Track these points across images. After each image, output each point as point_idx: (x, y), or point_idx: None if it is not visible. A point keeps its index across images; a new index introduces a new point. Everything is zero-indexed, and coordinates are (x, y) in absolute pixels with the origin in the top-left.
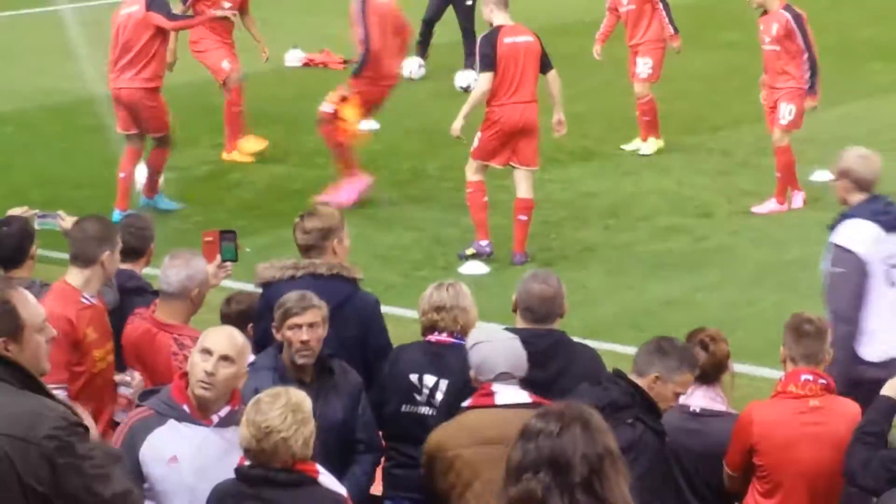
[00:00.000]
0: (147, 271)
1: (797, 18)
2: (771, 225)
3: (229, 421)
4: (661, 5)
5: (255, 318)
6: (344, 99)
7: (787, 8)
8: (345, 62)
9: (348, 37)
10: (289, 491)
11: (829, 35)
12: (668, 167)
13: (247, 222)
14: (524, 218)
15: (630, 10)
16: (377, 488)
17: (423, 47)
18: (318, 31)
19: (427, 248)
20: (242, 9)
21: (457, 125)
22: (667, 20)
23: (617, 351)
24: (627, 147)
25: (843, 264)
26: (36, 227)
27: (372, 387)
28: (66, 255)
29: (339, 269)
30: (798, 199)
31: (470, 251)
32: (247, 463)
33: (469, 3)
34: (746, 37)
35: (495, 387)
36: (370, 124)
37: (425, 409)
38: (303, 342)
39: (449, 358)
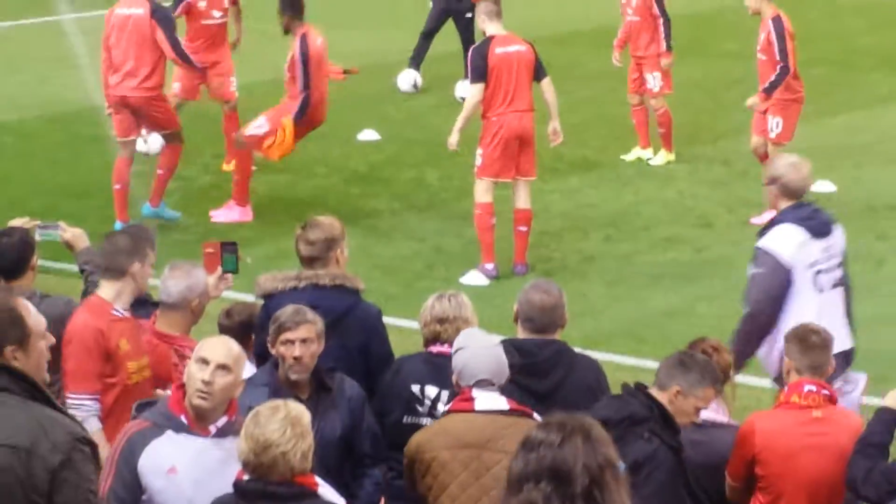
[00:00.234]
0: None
1: (778, 27)
2: None
3: (227, 431)
4: (661, 19)
5: (257, 329)
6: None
7: (775, 18)
8: (345, 72)
9: (347, 48)
10: None
11: (830, 44)
12: (668, 177)
13: (247, 233)
14: (524, 229)
15: (634, 22)
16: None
17: (418, 61)
18: None
19: (428, 258)
20: (232, 14)
21: (453, 139)
22: (663, 35)
23: (617, 361)
24: (628, 157)
25: (763, 265)
26: (37, 237)
27: (374, 397)
28: (66, 266)
29: (341, 279)
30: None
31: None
32: (245, 477)
33: (468, 15)
34: (746, 47)
35: (475, 392)
36: (371, 135)
37: (427, 420)
38: (295, 358)
39: (451, 369)
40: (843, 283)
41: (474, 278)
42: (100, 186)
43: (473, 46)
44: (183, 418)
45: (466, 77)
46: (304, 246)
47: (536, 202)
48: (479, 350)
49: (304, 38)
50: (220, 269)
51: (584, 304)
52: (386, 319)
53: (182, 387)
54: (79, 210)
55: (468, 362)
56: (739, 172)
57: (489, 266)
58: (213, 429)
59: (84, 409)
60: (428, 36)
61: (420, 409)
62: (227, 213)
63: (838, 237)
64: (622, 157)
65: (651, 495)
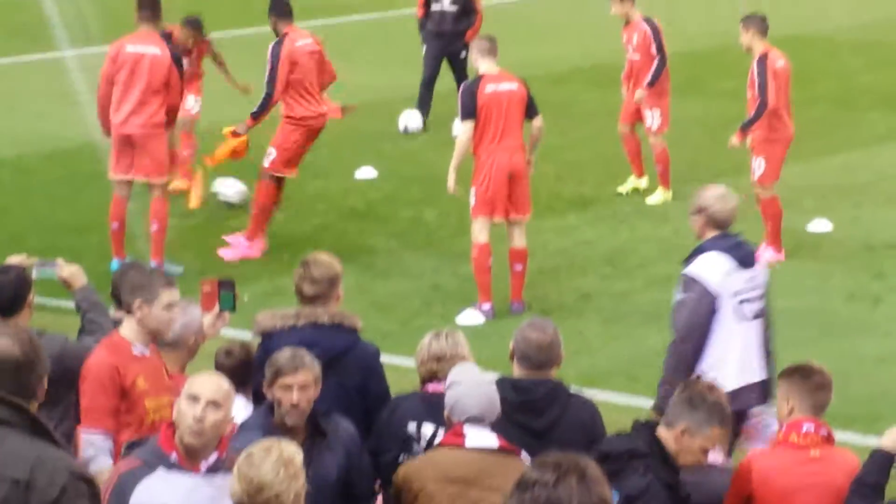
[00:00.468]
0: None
1: (761, 65)
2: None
3: (218, 468)
4: (657, 58)
5: (255, 368)
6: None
7: (761, 56)
8: (343, 110)
9: (347, 84)
10: None
11: (829, 83)
12: (664, 215)
13: (244, 270)
14: (520, 267)
15: (635, 60)
16: None
17: (425, 108)
18: None
19: (425, 296)
20: (208, 57)
21: (451, 182)
22: (652, 71)
23: (613, 400)
24: (624, 188)
25: (690, 292)
26: (34, 275)
27: (370, 435)
28: (63, 303)
29: (339, 318)
30: (766, 255)
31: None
32: None
33: (463, 55)
34: (745, 85)
35: (466, 428)
36: (369, 172)
37: None
38: (293, 405)
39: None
40: (764, 314)
41: (471, 317)
42: (98, 223)
43: (464, 84)
44: (174, 456)
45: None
46: (309, 285)
47: (533, 240)
48: (472, 387)
49: (281, 39)
50: (217, 308)
51: (581, 343)
52: (382, 357)
53: (172, 424)
54: (77, 246)
55: (460, 398)
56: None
57: (486, 306)
58: (203, 466)
59: (96, 445)
60: (428, 84)
61: (416, 447)
62: (234, 250)
63: (761, 270)
64: (618, 189)
65: None
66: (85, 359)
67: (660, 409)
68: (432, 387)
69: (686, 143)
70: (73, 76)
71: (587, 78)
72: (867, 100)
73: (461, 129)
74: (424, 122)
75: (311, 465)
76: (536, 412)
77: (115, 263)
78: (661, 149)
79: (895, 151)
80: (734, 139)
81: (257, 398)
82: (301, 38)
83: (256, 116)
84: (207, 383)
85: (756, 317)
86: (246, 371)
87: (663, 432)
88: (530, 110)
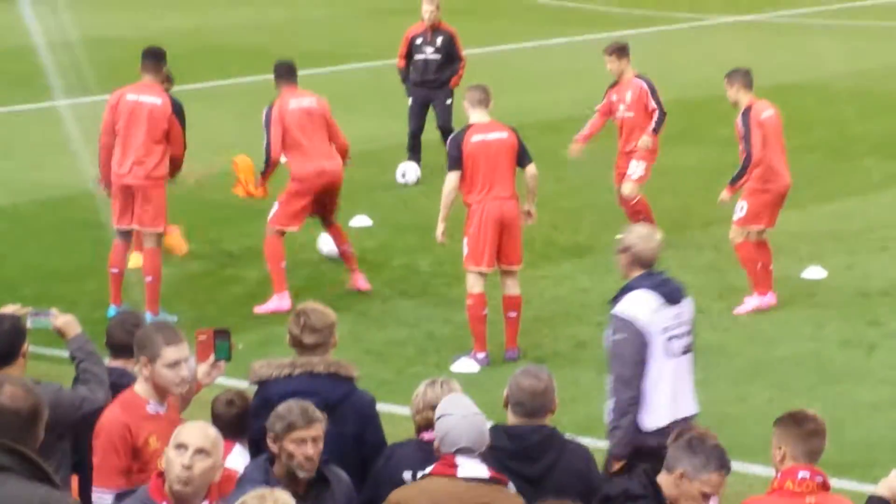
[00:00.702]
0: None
1: (745, 118)
2: (762, 321)
3: None
4: (657, 111)
5: (251, 416)
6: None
7: (746, 108)
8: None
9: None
10: None
11: (823, 130)
12: (659, 263)
13: (239, 319)
14: (514, 315)
15: (627, 118)
16: None
17: (416, 158)
18: None
19: (420, 344)
20: None
21: (439, 232)
22: (654, 122)
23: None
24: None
25: (623, 332)
26: (28, 325)
27: (366, 483)
28: (57, 352)
29: (335, 367)
30: (752, 302)
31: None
32: None
33: (448, 102)
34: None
35: (458, 459)
36: (363, 221)
37: None
38: (307, 458)
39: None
40: (692, 349)
41: (465, 365)
42: (92, 271)
43: (452, 134)
44: None
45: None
46: (309, 334)
47: (529, 288)
48: (462, 419)
49: (273, 102)
50: (212, 357)
51: (576, 391)
52: (378, 406)
53: (161, 475)
54: (71, 295)
55: (451, 430)
56: (731, 258)
57: (481, 355)
58: None
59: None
60: (416, 134)
61: None
62: (267, 305)
63: (688, 305)
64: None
65: None
66: (79, 408)
67: (617, 455)
68: (428, 435)
69: (680, 191)
70: (67, 125)
71: (580, 126)
72: (861, 147)
73: (447, 180)
74: (419, 163)
75: None
76: (531, 459)
77: (111, 310)
78: (639, 198)
79: (889, 199)
80: (724, 194)
81: (253, 445)
82: (295, 98)
83: (263, 176)
84: (195, 431)
85: (685, 352)
86: (246, 420)
87: (662, 477)
88: (522, 159)
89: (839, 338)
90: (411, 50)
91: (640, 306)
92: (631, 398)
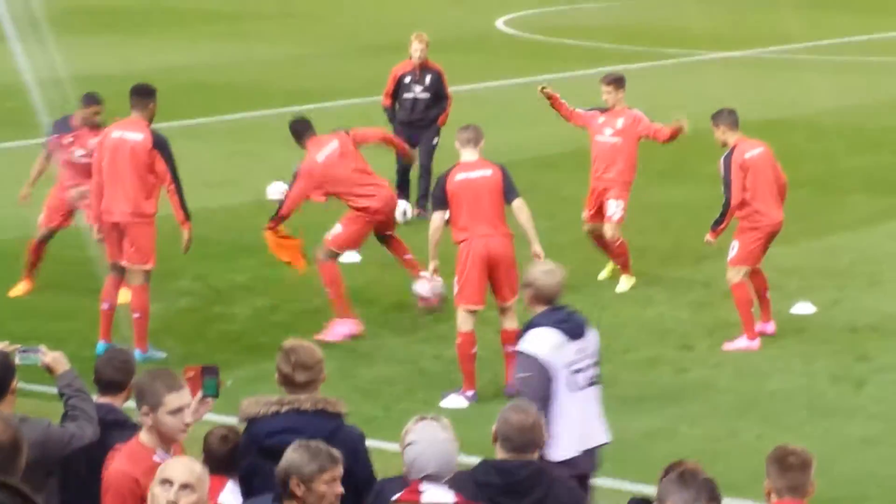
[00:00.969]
0: (127, 405)
1: (726, 160)
2: (752, 357)
3: None
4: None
5: (240, 453)
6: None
7: (729, 151)
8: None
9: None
10: None
11: (812, 166)
12: (649, 299)
13: (228, 355)
14: (512, 349)
15: (612, 143)
16: None
17: (404, 194)
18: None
19: (409, 381)
20: None
21: (430, 270)
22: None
23: (598, 485)
24: (603, 275)
25: (528, 369)
26: (17, 361)
27: None
28: (46, 389)
29: (323, 403)
30: (741, 342)
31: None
32: None
33: (434, 141)
34: None
35: (423, 486)
36: (353, 257)
37: None
38: (337, 496)
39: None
40: (598, 381)
41: (455, 401)
42: (81, 309)
43: (439, 175)
44: None
45: (419, 205)
46: (301, 371)
47: (519, 324)
48: (429, 445)
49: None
50: (200, 393)
51: None
52: (367, 442)
53: None
54: (60, 332)
55: (418, 457)
56: (721, 294)
57: (470, 393)
58: None
59: None
60: (404, 173)
61: None
62: (335, 331)
63: (592, 339)
64: (599, 276)
65: None
66: (67, 444)
67: None
68: None
69: (669, 227)
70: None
71: (573, 162)
72: (850, 183)
73: (432, 218)
74: (407, 199)
75: None
76: (519, 494)
77: (100, 346)
78: (621, 241)
79: (878, 234)
80: (708, 237)
81: (243, 482)
82: (321, 148)
83: (273, 221)
84: (179, 467)
85: (590, 384)
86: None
87: None
88: (508, 194)
89: (829, 373)
90: (398, 88)
91: (543, 343)
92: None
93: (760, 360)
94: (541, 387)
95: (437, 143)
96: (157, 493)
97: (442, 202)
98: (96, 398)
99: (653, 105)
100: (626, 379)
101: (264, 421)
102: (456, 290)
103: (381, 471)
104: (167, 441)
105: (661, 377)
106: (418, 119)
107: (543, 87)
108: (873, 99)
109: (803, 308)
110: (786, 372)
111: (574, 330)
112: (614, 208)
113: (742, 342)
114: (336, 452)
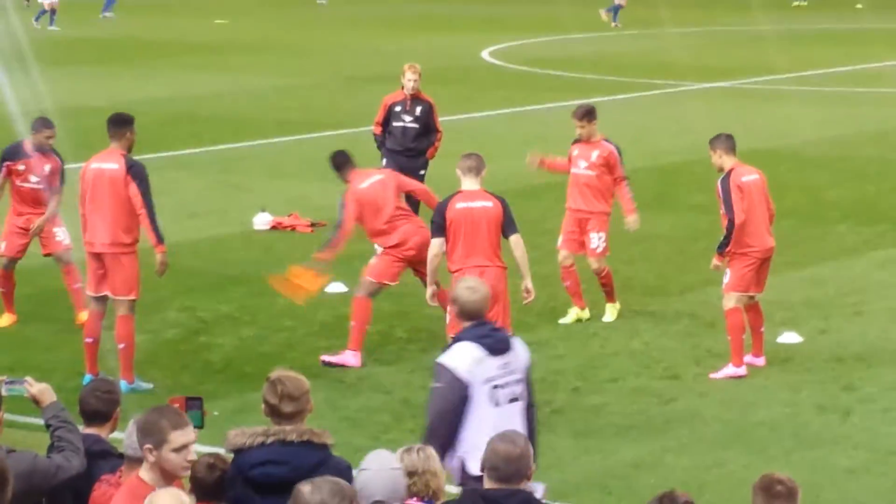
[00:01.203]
0: (113, 436)
1: (724, 182)
2: (739, 386)
3: None
4: (625, 183)
5: (227, 484)
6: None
7: (726, 174)
8: (312, 225)
9: (318, 201)
10: None
11: (797, 197)
12: (635, 329)
13: (214, 386)
14: None
15: (585, 176)
16: None
17: None
18: (285, 194)
19: (395, 411)
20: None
21: (429, 293)
22: (630, 195)
23: None
24: (566, 320)
25: (441, 380)
26: (3, 393)
27: None
28: (33, 420)
29: (308, 434)
30: (727, 370)
31: None
32: None
33: (422, 172)
34: (712, 199)
35: None
36: (339, 287)
37: None
38: None
39: None
40: (522, 398)
41: None
42: (67, 340)
43: (438, 202)
44: None
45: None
46: (289, 402)
47: None
48: (377, 472)
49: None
50: None
51: (552, 457)
52: (354, 472)
53: None
54: (46, 363)
55: (366, 484)
56: (707, 324)
57: None
58: None
59: None
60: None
61: None
62: (342, 357)
63: (519, 355)
64: (560, 321)
65: None
66: (54, 476)
67: None
68: (408, 502)
69: (655, 257)
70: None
71: (556, 193)
72: (835, 213)
73: (430, 244)
74: None
75: None
76: None
77: (87, 379)
78: (606, 271)
79: (863, 264)
80: (715, 261)
81: None
82: (364, 179)
83: (323, 251)
84: (167, 498)
85: (512, 400)
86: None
87: None
88: (507, 229)
89: (815, 403)
90: (389, 117)
91: (462, 357)
92: (439, 446)
93: (747, 390)
94: (447, 399)
95: (425, 174)
96: None
97: (441, 229)
98: (82, 429)
99: (637, 136)
100: (612, 408)
101: (250, 452)
102: (448, 319)
103: None
104: (169, 478)
105: (648, 407)
106: (409, 149)
107: (532, 163)
108: (857, 129)
109: (789, 338)
110: (772, 401)
111: (495, 346)
112: (596, 241)
113: (729, 369)
114: (350, 488)
